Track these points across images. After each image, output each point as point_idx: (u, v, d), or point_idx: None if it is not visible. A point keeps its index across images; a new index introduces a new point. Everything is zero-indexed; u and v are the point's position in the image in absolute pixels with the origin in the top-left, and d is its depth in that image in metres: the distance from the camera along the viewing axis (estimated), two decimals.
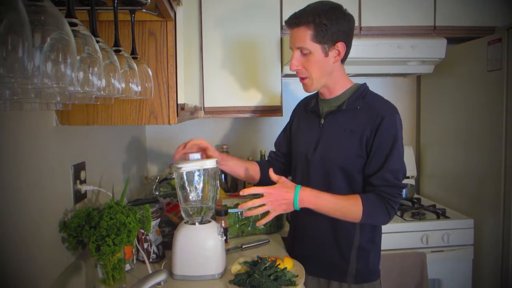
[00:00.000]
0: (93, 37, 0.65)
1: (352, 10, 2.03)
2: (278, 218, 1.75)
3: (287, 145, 1.52)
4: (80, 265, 1.19)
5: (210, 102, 2.04)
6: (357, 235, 1.29)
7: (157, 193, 1.88)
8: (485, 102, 1.85)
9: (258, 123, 2.45)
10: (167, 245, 1.44)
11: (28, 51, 0.40)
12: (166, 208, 1.57)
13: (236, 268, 1.30)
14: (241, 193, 1.18)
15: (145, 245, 1.36)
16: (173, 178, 1.79)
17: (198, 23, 1.97)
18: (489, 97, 1.82)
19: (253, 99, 2.06)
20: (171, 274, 1.27)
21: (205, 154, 1.37)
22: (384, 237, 1.39)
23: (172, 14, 1.09)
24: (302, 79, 1.30)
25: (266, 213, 1.22)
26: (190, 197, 1.31)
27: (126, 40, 1.03)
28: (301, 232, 1.42)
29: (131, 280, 1.21)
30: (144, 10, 0.98)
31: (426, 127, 2.42)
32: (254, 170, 1.51)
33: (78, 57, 0.59)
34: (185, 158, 1.33)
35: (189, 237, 1.26)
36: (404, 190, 2.22)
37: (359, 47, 1.94)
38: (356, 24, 2.07)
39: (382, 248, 1.38)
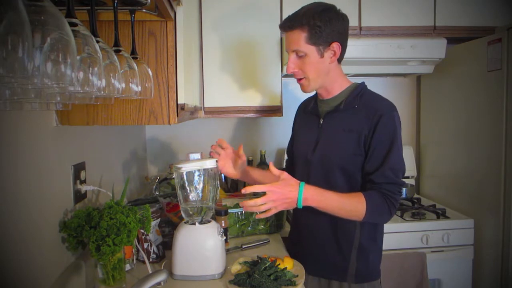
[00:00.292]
0: (93, 37, 0.65)
1: (352, 10, 2.07)
2: (278, 218, 1.75)
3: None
4: (80, 265, 1.19)
5: (210, 102, 2.04)
6: (357, 235, 1.29)
7: (157, 193, 1.88)
8: (485, 102, 1.85)
9: (258, 123, 2.45)
10: (167, 245, 1.44)
11: (28, 51, 0.40)
12: (166, 208, 1.57)
13: (236, 268, 1.30)
14: (243, 191, 1.15)
15: (145, 245, 1.36)
16: (173, 178, 1.79)
17: (198, 23, 1.98)
18: (489, 97, 1.82)
19: (253, 99, 2.06)
20: (171, 274, 1.27)
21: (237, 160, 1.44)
22: (384, 237, 1.38)
23: (172, 14, 1.09)
24: (299, 80, 1.31)
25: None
26: (190, 197, 1.31)
27: (126, 40, 1.03)
28: (302, 232, 1.42)
29: (131, 280, 1.21)
30: (144, 10, 0.98)
31: (426, 127, 2.42)
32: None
33: (78, 57, 0.59)
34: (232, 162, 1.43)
35: (189, 237, 1.26)
36: (404, 190, 2.22)
37: (359, 47, 1.94)
38: (356, 24, 2.08)
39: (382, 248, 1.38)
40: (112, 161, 1.66)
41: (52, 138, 1.08)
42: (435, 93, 2.30)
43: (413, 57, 1.98)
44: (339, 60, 1.30)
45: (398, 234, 1.88)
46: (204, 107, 2.04)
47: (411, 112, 2.51)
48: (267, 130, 2.45)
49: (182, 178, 1.30)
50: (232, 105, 2.05)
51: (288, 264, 1.28)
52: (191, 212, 1.31)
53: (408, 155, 2.35)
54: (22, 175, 0.92)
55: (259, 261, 1.28)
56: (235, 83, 2.05)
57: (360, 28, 2.08)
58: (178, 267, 1.26)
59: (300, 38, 1.23)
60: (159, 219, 1.45)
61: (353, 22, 2.05)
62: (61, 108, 0.79)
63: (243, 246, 1.54)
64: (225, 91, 2.04)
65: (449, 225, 1.91)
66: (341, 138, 1.27)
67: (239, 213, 1.66)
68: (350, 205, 1.20)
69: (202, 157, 1.34)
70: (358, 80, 1.39)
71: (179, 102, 1.15)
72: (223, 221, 1.51)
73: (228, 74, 2.05)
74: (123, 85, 0.82)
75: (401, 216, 1.97)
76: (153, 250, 1.38)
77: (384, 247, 1.39)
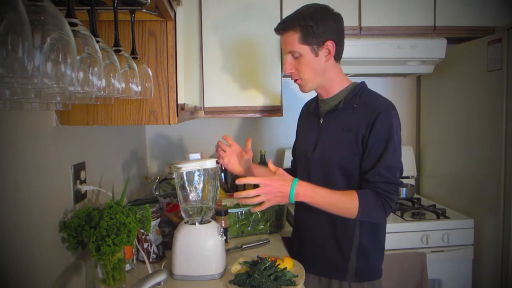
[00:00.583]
0: (93, 37, 0.65)
1: (352, 10, 2.07)
2: (278, 218, 1.75)
3: None
4: (80, 265, 1.19)
5: (210, 102, 2.04)
6: (357, 234, 1.29)
7: (157, 193, 1.88)
8: (485, 102, 1.85)
9: (258, 123, 2.46)
10: (167, 245, 1.44)
11: (28, 51, 0.40)
12: (166, 208, 1.57)
13: (236, 268, 1.31)
14: (237, 181, 1.17)
15: (145, 245, 1.36)
16: (173, 178, 1.80)
17: (198, 23, 1.98)
18: (489, 97, 1.82)
19: (253, 99, 2.06)
20: (171, 274, 1.27)
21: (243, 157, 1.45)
22: None
23: (172, 14, 1.09)
24: (295, 80, 1.33)
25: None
26: (190, 197, 1.31)
27: (126, 40, 1.03)
28: (302, 231, 1.43)
29: (131, 280, 1.21)
30: (144, 10, 0.98)
31: (426, 127, 2.42)
32: None
33: (78, 57, 0.59)
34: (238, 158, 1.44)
35: (189, 237, 1.26)
36: (404, 190, 2.22)
37: (359, 47, 1.94)
38: (356, 24, 2.08)
39: None
40: (112, 161, 1.66)
41: (52, 138, 1.08)
42: (435, 93, 2.30)
43: (413, 57, 1.98)
44: (337, 59, 1.31)
45: (398, 234, 1.88)
46: (204, 107, 2.04)
47: (411, 112, 2.51)
48: (267, 130, 2.45)
49: (182, 178, 1.30)
50: (232, 105, 2.05)
51: (288, 264, 1.28)
52: (191, 212, 1.31)
53: (408, 155, 2.36)
54: (22, 175, 0.92)
55: (259, 261, 1.28)
56: (235, 83, 2.05)
57: (360, 28, 2.08)
58: (178, 267, 1.26)
59: (293, 39, 1.26)
60: (159, 219, 1.45)
61: (353, 22, 2.07)
62: (61, 108, 0.79)
63: (243, 246, 1.54)
64: (225, 91, 2.04)
65: (449, 225, 1.91)
66: (340, 137, 1.28)
67: (239, 213, 1.66)
68: (342, 203, 1.21)
69: (202, 157, 1.34)
70: (358, 80, 1.39)
71: (179, 102, 1.15)
72: (223, 221, 1.51)
73: (228, 74, 2.05)
74: (123, 85, 0.82)
75: (401, 216, 1.97)
76: (153, 250, 1.38)
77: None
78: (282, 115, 2.10)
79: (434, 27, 2.10)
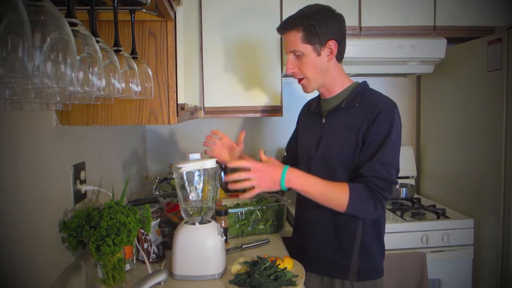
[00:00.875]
0: (93, 37, 0.65)
1: (352, 10, 2.07)
2: (278, 218, 1.75)
3: (295, 149, 1.53)
4: (80, 265, 1.19)
5: (210, 102, 2.04)
6: (359, 233, 1.29)
7: (157, 193, 1.88)
8: (485, 102, 1.85)
9: (258, 123, 2.46)
10: (167, 245, 1.44)
11: (28, 51, 0.40)
12: (166, 208, 1.57)
13: (236, 268, 1.30)
14: (229, 165, 1.19)
15: (145, 245, 1.36)
16: (173, 178, 1.79)
17: (198, 23, 1.98)
18: (489, 97, 1.82)
19: (253, 99, 2.06)
20: (171, 274, 1.27)
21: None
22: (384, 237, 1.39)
23: (172, 14, 1.09)
24: (299, 80, 1.34)
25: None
26: (190, 197, 1.31)
27: (126, 40, 1.03)
28: (304, 230, 1.43)
29: (131, 280, 1.21)
30: (144, 10, 0.98)
31: (426, 127, 2.42)
32: None
33: (78, 57, 0.59)
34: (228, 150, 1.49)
35: (189, 237, 1.26)
36: (404, 190, 2.22)
37: (359, 47, 1.94)
38: (356, 24, 2.08)
39: None
40: (112, 161, 1.66)
41: (52, 138, 1.08)
42: (435, 93, 2.30)
43: (413, 57, 1.98)
44: (339, 59, 1.31)
45: (398, 234, 1.88)
46: (204, 107, 2.04)
47: (411, 112, 2.51)
48: (267, 130, 2.45)
49: (182, 178, 1.30)
50: (232, 105, 2.05)
51: (288, 264, 1.28)
52: (191, 212, 1.31)
53: (408, 155, 2.36)
54: (22, 175, 0.92)
55: (259, 261, 1.28)
56: (235, 83, 2.05)
57: (360, 28, 2.08)
58: (178, 267, 1.26)
59: (296, 38, 1.26)
60: (159, 219, 1.45)
61: (353, 22, 2.07)
62: (61, 108, 0.79)
63: (243, 246, 1.54)
64: (225, 91, 2.04)
65: (449, 225, 1.91)
66: (342, 136, 1.28)
67: (239, 213, 1.66)
68: (332, 193, 1.20)
69: (202, 157, 1.34)
70: (359, 80, 1.39)
71: (179, 102, 1.15)
72: (223, 221, 1.51)
73: (228, 74, 2.05)
74: (123, 85, 0.82)
75: (401, 216, 1.97)
76: (153, 250, 1.38)
77: None
78: (282, 115, 2.10)
79: (434, 27, 2.10)
